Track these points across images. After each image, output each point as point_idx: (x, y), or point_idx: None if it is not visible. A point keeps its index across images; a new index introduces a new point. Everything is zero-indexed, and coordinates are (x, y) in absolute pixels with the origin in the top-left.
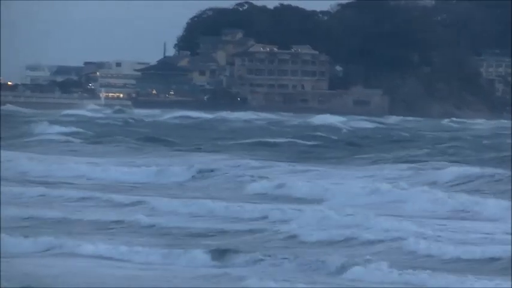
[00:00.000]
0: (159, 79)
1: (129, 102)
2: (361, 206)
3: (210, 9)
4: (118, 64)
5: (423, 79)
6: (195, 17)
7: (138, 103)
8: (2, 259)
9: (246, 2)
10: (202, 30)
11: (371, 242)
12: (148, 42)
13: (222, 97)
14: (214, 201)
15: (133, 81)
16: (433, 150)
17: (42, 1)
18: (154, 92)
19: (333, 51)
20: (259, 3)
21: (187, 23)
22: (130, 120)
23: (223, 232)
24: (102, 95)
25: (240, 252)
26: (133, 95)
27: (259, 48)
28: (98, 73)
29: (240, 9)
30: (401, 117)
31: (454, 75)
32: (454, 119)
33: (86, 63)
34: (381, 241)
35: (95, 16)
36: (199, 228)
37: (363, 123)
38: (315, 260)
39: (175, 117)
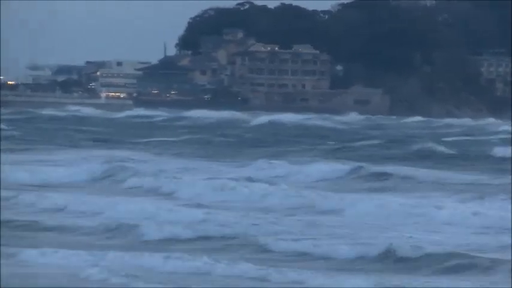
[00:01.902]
0: (160, 78)
1: (130, 102)
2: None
3: (211, 8)
4: (119, 63)
5: (424, 79)
6: (196, 16)
7: (139, 102)
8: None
9: (247, 2)
10: (203, 30)
11: None
12: (149, 42)
13: (223, 96)
14: None
15: (134, 81)
16: (336, 147)
17: (42, 0)
18: (155, 91)
19: (333, 50)
20: (260, 3)
21: (189, 23)
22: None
23: None
24: (103, 94)
25: None
26: (135, 95)
27: (260, 47)
28: (98, 72)
29: (241, 8)
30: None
31: (455, 75)
32: (425, 119)
33: (87, 63)
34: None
35: (96, 16)
36: None
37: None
38: None
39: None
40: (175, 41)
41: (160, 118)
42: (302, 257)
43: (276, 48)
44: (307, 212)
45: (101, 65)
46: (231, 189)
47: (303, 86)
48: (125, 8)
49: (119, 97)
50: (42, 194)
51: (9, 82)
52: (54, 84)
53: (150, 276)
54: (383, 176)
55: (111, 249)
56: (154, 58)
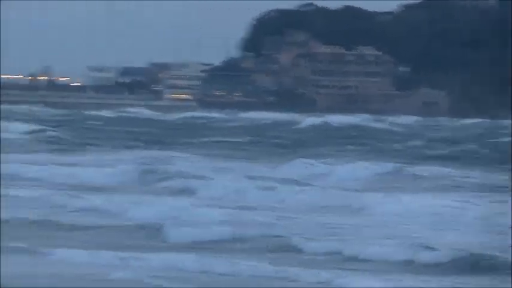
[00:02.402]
0: (224, 80)
1: (194, 103)
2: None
3: (274, 10)
4: (184, 65)
5: (491, 79)
6: (259, 18)
7: (203, 104)
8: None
9: (310, 3)
10: (266, 31)
11: None
12: (213, 44)
13: (285, 98)
14: None
15: (198, 82)
16: (382, 148)
17: (109, 1)
18: (219, 93)
19: (396, 52)
20: (322, 4)
21: (252, 24)
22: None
23: None
24: (168, 96)
25: None
26: (199, 96)
27: (322, 49)
28: (163, 74)
29: (304, 10)
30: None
31: None
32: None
33: (151, 64)
34: None
35: (161, 17)
36: None
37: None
38: None
39: None
40: (239, 42)
41: (216, 119)
42: (333, 257)
43: (339, 50)
44: (340, 212)
45: (165, 66)
46: (264, 190)
47: (366, 87)
48: (189, 10)
49: (183, 99)
50: (76, 195)
51: (73, 83)
52: (118, 86)
53: (181, 277)
54: (421, 176)
55: (140, 250)
56: (218, 60)
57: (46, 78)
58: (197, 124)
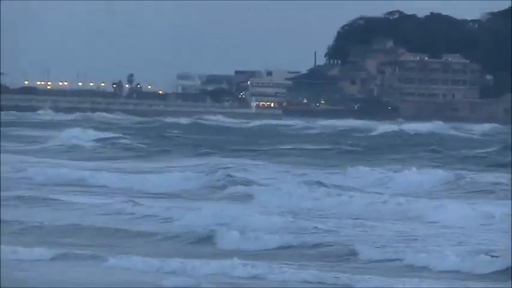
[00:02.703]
0: (310, 88)
1: (280, 111)
2: None
3: (361, 18)
4: (269, 73)
5: None
6: (345, 25)
7: (288, 112)
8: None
9: (396, 11)
10: (352, 39)
11: None
12: (299, 51)
13: (372, 106)
14: None
15: (284, 90)
16: (448, 155)
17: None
18: (304, 101)
19: (483, 60)
20: (409, 12)
21: (338, 32)
22: None
23: None
24: (253, 103)
25: None
26: (284, 104)
27: (409, 57)
28: (248, 82)
29: (391, 18)
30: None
31: None
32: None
33: (236, 72)
34: None
35: (246, 25)
36: None
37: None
38: None
39: None
40: (325, 50)
41: (295, 127)
42: (391, 264)
43: (426, 58)
44: (399, 219)
45: (251, 74)
46: (321, 196)
47: (453, 95)
48: (275, 17)
49: (268, 106)
50: (137, 201)
51: (159, 91)
52: (204, 94)
53: (235, 284)
54: (487, 183)
55: (194, 256)
56: (304, 67)
57: (130, 86)
58: (275, 131)
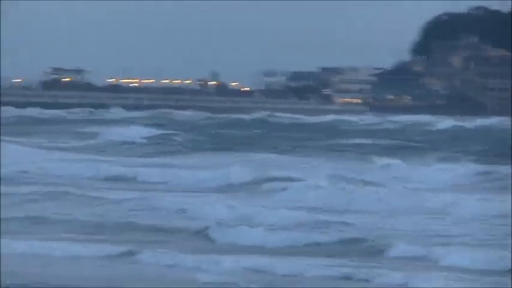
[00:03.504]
0: (395, 84)
1: (366, 108)
2: None
3: (445, 13)
4: (354, 69)
5: None
6: (429, 21)
7: (374, 108)
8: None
9: (481, 7)
10: (436, 35)
11: None
12: (383, 48)
13: (457, 101)
14: None
15: (368, 87)
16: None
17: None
18: (389, 97)
19: None
20: (493, 7)
21: (422, 28)
22: None
23: None
24: (338, 100)
25: None
26: (369, 100)
27: (493, 52)
28: (334, 78)
29: (474, 13)
30: None
31: None
32: None
33: (321, 69)
34: None
35: (330, 21)
36: None
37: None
38: None
39: None
40: (409, 46)
41: (363, 122)
42: (416, 261)
43: (509, 53)
44: (427, 214)
45: (336, 71)
46: (354, 191)
47: None
48: (359, 14)
49: (353, 103)
50: (164, 197)
51: (244, 88)
52: (288, 91)
53: (267, 281)
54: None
55: (220, 252)
56: (388, 64)
57: (215, 83)
58: (340, 127)
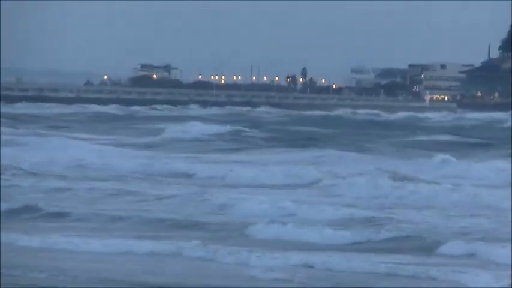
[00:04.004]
0: (484, 81)
1: (454, 105)
2: None
3: None
4: (443, 66)
5: None
6: None
7: (462, 105)
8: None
9: None
10: None
11: None
12: (473, 44)
13: None
14: None
15: (457, 83)
16: None
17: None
18: (478, 94)
19: None
20: None
21: (511, 25)
22: None
23: None
24: (427, 97)
25: None
26: (458, 98)
27: None
28: (422, 75)
29: None
30: None
31: None
32: None
33: (410, 66)
34: None
35: (419, 18)
36: None
37: None
38: None
39: None
40: (499, 43)
41: (433, 119)
42: (466, 259)
43: None
44: (477, 212)
45: (424, 67)
46: (401, 187)
47: None
48: (449, 11)
49: (442, 100)
50: (212, 192)
51: (334, 85)
52: (377, 88)
53: (315, 276)
54: None
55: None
56: (478, 60)
57: (304, 80)
58: (415, 124)
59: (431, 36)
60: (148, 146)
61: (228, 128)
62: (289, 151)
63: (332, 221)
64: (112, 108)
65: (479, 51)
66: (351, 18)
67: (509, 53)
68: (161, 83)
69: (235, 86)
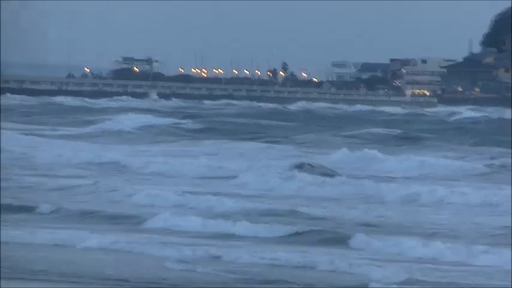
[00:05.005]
0: (465, 76)
1: (435, 99)
2: None
3: None
4: (423, 61)
5: None
6: (500, 14)
7: (443, 100)
8: None
9: None
10: (507, 28)
11: None
12: (454, 39)
13: None
14: None
15: (438, 78)
16: None
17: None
18: (459, 89)
19: None
20: None
21: (493, 20)
22: None
23: None
24: (408, 92)
25: None
26: (439, 92)
27: None
28: (403, 70)
29: None
30: None
31: None
32: None
33: (391, 60)
34: None
35: (399, 12)
36: None
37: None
38: None
39: None
40: (480, 38)
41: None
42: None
43: None
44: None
45: (405, 62)
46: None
47: None
48: (428, 5)
49: (423, 94)
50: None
51: (314, 79)
52: (358, 82)
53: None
54: None
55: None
56: (458, 56)
57: (284, 74)
58: (370, 117)
59: (412, 31)
60: (74, 137)
61: (166, 120)
62: (215, 143)
63: (222, 213)
64: (73, 100)
65: (460, 46)
66: (332, 12)
67: (491, 48)
68: (143, 75)
69: (216, 80)
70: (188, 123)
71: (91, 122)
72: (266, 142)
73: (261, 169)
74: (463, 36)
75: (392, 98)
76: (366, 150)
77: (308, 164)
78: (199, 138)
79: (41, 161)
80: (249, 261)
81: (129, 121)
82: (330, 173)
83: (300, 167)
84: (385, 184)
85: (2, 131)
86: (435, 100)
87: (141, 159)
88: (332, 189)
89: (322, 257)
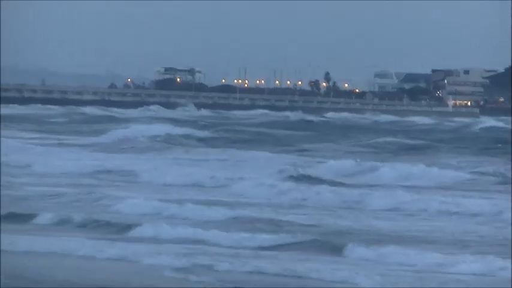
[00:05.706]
0: (507, 86)
1: (477, 110)
2: None
3: None
4: (466, 72)
5: None
6: None
7: (485, 111)
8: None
9: None
10: None
11: None
12: (496, 50)
13: None
14: None
15: (481, 89)
16: None
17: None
18: (501, 99)
19: None
20: None
21: None
22: None
23: None
24: (450, 102)
25: None
26: (481, 103)
27: None
28: (445, 80)
29: None
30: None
31: None
32: None
33: (433, 71)
34: None
35: (442, 23)
36: None
37: None
38: None
39: None
40: None
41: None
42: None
43: None
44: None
45: (448, 73)
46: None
47: None
48: (473, 16)
49: (465, 105)
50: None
51: (356, 90)
52: (401, 92)
53: None
54: None
55: None
56: (501, 66)
57: (327, 84)
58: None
59: (455, 42)
60: (83, 146)
61: (182, 129)
62: (219, 152)
63: (206, 222)
64: (97, 109)
65: (502, 57)
66: (374, 22)
67: None
68: (185, 86)
69: (258, 90)
70: (202, 133)
71: (102, 132)
72: (273, 152)
73: (253, 178)
74: (506, 47)
75: (434, 109)
76: (359, 159)
77: (300, 173)
78: (209, 147)
79: (38, 170)
80: (240, 270)
81: (142, 131)
82: (318, 182)
83: (291, 176)
84: (370, 192)
85: (4, 139)
86: (477, 111)
87: (134, 167)
88: (317, 196)
89: (310, 266)
